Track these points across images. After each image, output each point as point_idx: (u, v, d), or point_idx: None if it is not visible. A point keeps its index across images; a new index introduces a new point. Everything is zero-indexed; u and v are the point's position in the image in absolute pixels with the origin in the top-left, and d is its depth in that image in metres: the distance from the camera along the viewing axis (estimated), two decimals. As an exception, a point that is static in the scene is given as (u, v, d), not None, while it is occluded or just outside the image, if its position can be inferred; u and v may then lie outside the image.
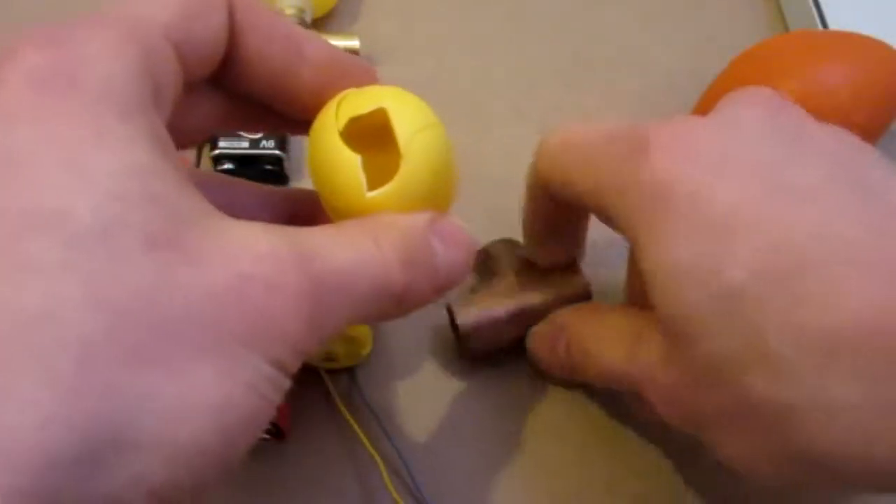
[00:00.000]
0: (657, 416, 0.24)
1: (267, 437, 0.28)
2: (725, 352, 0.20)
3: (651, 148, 0.22)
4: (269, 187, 0.26)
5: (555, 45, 0.40)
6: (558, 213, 0.27)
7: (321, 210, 0.22)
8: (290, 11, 0.36)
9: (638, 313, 0.25)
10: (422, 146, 0.21)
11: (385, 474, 0.28)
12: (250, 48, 0.21)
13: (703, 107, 0.35)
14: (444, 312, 0.30)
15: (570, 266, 0.30)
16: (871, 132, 0.33)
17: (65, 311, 0.15)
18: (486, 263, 0.31)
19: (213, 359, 0.16)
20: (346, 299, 0.19)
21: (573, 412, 0.30)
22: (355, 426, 0.28)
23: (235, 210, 0.18)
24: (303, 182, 0.35)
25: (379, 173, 0.20)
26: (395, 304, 0.20)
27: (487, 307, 0.29)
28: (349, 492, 0.28)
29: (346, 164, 0.20)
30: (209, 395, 0.16)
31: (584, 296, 0.30)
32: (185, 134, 0.22)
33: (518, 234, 0.30)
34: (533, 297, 0.29)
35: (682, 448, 0.30)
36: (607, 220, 0.24)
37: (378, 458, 0.28)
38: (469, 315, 0.29)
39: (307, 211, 0.25)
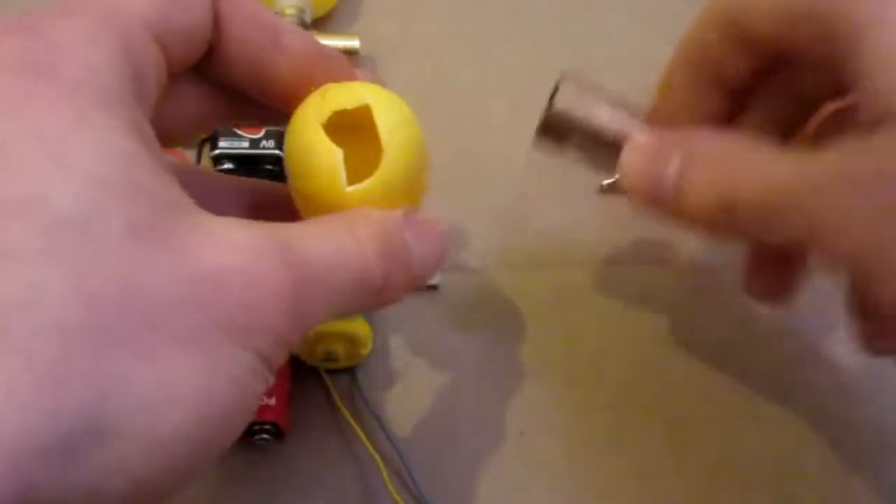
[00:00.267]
0: (794, 262, 0.22)
1: (267, 437, 0.28)
2: None
3: None
4: (239, 179, 0.26)
5: (555, 45, 0.40)
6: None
7: (290, 203, 0.22)
8: (290, 11, 0.36)
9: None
10: (401, 143, 0.21)
11: (385, 474, 0.28)
12: (230, 36, 0.21)
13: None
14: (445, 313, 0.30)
15: None
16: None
17: (44, 298, 0.14)
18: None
19: (194, 349, 0.16)
20: (327, 291, 0.19)
21: (574, 412, 0.30)
22: (355, 426, 0.28)
23: (206, 200, 0.18)
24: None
25: (352, 168, 0.20)
26: (373, 296, 0.20)
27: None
28: (349, 492, 0.28)
29: (328, 157, 0.20)
30: (190, 385, 0.16)
31: None
32: (171, 124, 0.22)
33: (520, 235, 0.29)
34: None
35: (682, 448, 0.30)
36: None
37: (378, 458, 0.28)
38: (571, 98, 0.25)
39: (275, 202, 0.25)
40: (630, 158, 0.24)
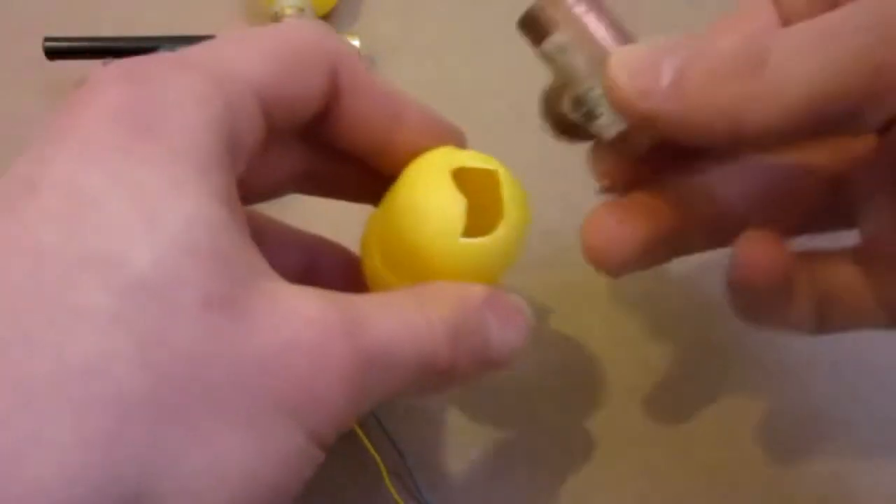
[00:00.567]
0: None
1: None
2: None
3: None
4: (302, 232, 0.26)
5: (555, 46, 0.40)
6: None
7: (343, 263, 0.22)
8: (289, 11, 0.36)
9: None
10: (519, 216, 0.21)
11: (385, 474, 0.28)
12: (348, 107, 0.21)
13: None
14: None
15: None
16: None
17: (110, 367, 0.14)
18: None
19: (249, 428, 0.16)
20: (390, 373, 0.18)
21: (574, 413, 0.30)
22: (355, 426, 0.28)
23: (268, 250, 0.18)
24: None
25: None
26: (438, 380, 0.19)
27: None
28: (349, 492, 0.28)
29: (451, 203, 0.20)
30: (239, 468, 0.16)
31: None
32: (260, 185, 0.21)
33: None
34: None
35: (682, 448, 0.30)
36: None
37: (378, 458, 0.28)
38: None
39: (330, 262, 0.25)
40: (619, 58, 0.20)
